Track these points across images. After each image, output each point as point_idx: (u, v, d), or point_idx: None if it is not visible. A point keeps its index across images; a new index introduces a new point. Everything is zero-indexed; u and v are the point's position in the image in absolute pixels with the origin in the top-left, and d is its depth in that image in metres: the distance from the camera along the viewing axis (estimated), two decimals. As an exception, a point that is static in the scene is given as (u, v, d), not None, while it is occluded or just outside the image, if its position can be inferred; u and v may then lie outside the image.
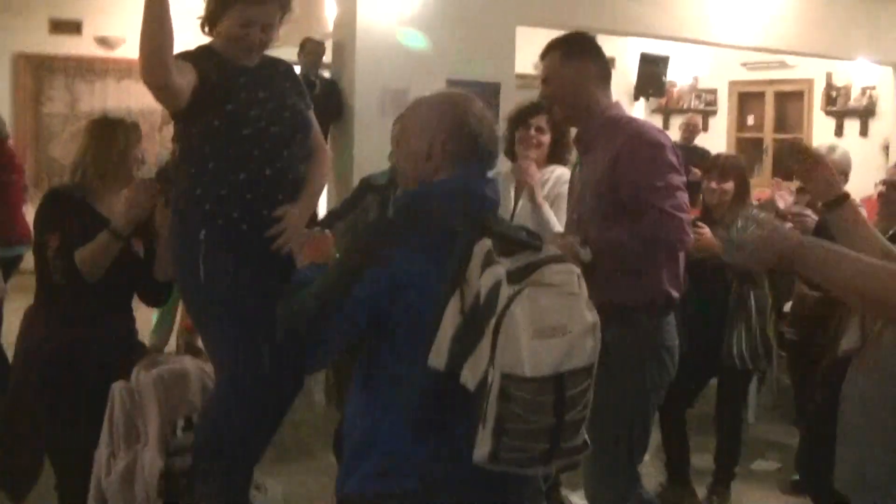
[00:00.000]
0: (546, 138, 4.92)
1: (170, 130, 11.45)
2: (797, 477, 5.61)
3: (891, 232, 4.77)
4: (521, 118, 4.98)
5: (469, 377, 2.33)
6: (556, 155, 4.92)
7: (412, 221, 2.60)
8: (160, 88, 3.46)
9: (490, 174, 2.71)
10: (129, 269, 4.16)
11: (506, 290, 2.29)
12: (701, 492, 5.64)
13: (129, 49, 12.71)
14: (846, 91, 13.88)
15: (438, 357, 2.38)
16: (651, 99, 14.95)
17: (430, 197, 2.63)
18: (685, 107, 15.39)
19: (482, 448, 2.31)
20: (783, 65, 13.98)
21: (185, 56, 3.72)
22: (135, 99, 12.88)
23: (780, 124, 14.68)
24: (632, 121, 3.86)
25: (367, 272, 2.51)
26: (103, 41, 12.74)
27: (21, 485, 4.21)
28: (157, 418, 3.65)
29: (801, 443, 5.19)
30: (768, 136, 14.67)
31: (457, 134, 2.64)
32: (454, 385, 2.35)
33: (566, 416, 2.31)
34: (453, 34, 8.93)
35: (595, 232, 3.58)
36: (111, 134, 4.22)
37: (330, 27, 9.43)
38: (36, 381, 4.11)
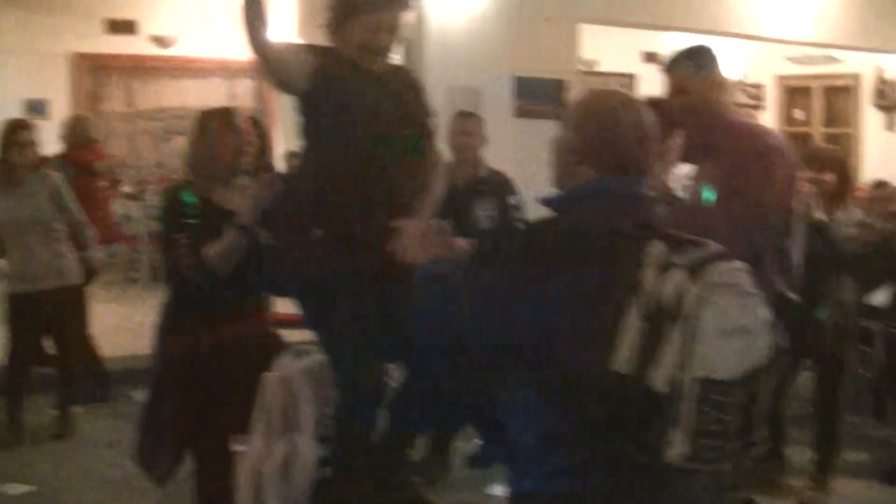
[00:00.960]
0: None
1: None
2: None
3: None
4: None
5: (658, 380, 2.34)
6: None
7: (571, 226, 2.58)
8: (259, 58, 3.70)
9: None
10: (256, 260, 4.27)
11: (691, 293, 2.33)
12: (798, 483, 5.78)
13: (184, 47, 12.94)
14: (892, 85, 13.90)
15: (621, 361, 2.37)
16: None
17: (588, 197, 2.61)
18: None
19: (678, 449, 2.34)
20: (830, 59, 13.96)
21: (310, 47, 3.85)
22: (192, 96, 13.07)
23: (829, 119, 14.69)
24: (757, 127, 4.13)
25: (533, 291, 2.50)
26: (158, 40, 12.92)
27: (165, 470, 4.37)
28: (310, 407, 3.78)
29: None
30: (817, 130, 14.67)
31: (598, 136, 2.62)
32: (636, 389, 2.36)
33: (754, 411, 2.38)
34: (519, 32, 9.05)
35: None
36: (221, 125, 4.35)
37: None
38: (176, 374, 4.26)
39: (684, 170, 4.94)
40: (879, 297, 6.68)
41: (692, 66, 4.10)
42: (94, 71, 12.70)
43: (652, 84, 14.65)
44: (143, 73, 12.94)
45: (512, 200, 6.03)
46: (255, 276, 4.26)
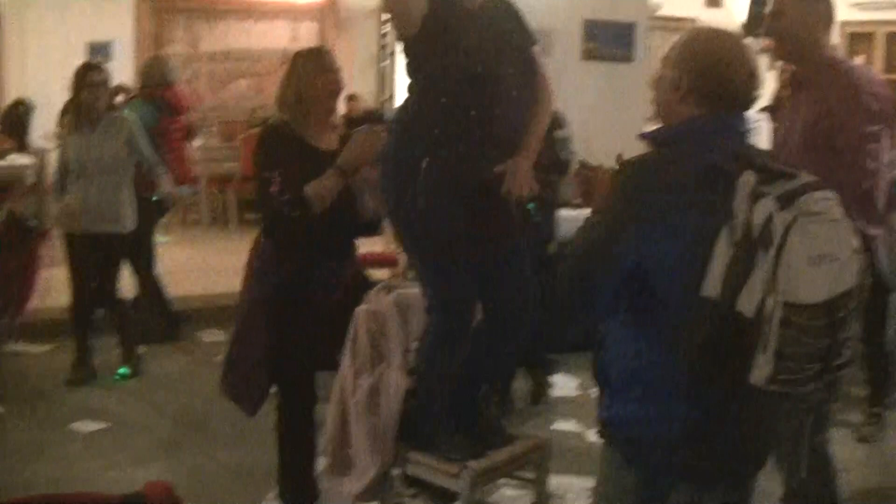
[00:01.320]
0: None
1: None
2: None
3: None
4: None
5: (746, 305, 2.42)
6: None
7: (676, 165, 2.65)
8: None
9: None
10: (347, 202, 4.36)
11: (780, 221, 2.39)
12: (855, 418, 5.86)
13: (249, -11, 12.99)
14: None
15: (713, 287, 2.46)
16: (759, 38, 14.91)
17: (687, 135, 2.69)
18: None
19: (762, 370, 2.42)
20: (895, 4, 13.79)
21: None
22: (255, 40, 13.16)
23: (891, 65, 14.52)
24: (852, 68, 4.05)
25: (627, 227, 2.59)
26: (223, -19, 12.97)
27: (253, 401, 4.49)
28: (398, 340, 3.86)
29: None
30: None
31: (707, 73, 2.67)
32: (727, 314, 2.44)
33: (837, 337, 2.43)
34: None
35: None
36: (315, 65, 4.38)
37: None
38: (266, 308, 4.35)
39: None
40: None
41: None
42: (157, 13, 12.79)
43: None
44: (207, 14, 13.00)
45: (560, 134, 6.12)
46: (348, 216, 4.35)
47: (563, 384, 6.66)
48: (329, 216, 4.24)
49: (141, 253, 7.29)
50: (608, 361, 2.80)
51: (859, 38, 14.84)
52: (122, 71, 10.27)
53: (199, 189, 10.82)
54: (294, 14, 13.29)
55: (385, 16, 13.57)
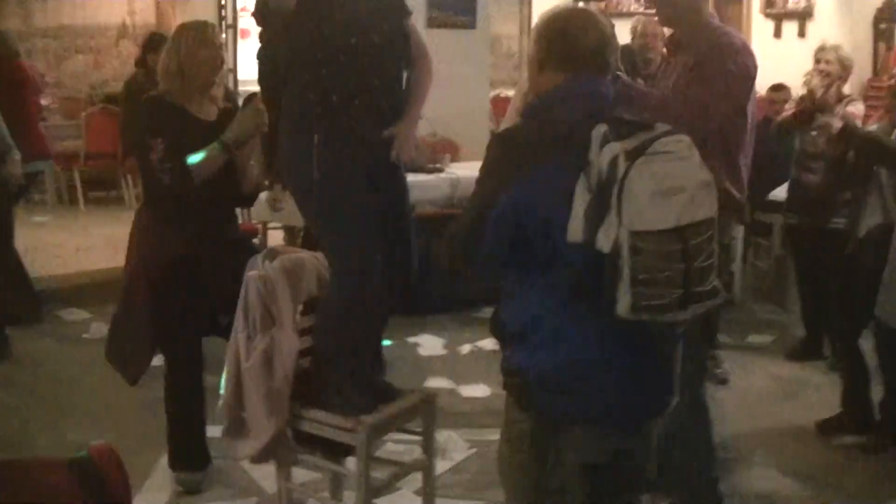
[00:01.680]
0: None
1: (126, 45, 11.67)
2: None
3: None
4: None
5: (604, 242, 2.64)
6: None
7: (539, 130, 2.89)
8: None
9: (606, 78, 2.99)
10: (228, 174, 4.50)
11: (623, 162, 2.62)
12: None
13: (82, -36, 12.76)
14: (784, -7, 14.34)
15: (575, 232, 2.69)
16: (592, 1, 15.28)
17: (550, 104, 2.92)
18: (625, 11, 15.70)
19: (623, 301, 2.64)
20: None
21: None
22: (90, 14, 12.94)
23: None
24: (727, 33, 4.35)
25: (507, 187, 2.80)
26: (56, -43, 12.69)
27: (136, 369, 4.60)
28: (288, 302, 3.99)
29: (812, 307, 6.46)
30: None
31: (560, 41, 2.94)
32: (590, 254, 2.66)
33: (694, 263, 2.65)
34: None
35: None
36: (198, 39, 4.53)
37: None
38: (150, 277, 4.45)
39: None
40: (779, 193, 7.08)
41: None
42: (-10, -11, 12.45)
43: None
44: (41, -10, 12.70)
45: None
46: (229, 186, 4.47)
47: (430, 344, 6.87)
48: (210, 185, 4.35)
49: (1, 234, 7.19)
50: (507, 316, 3.00)
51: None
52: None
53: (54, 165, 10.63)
54: (130, -12, 13.16)
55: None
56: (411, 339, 6.82)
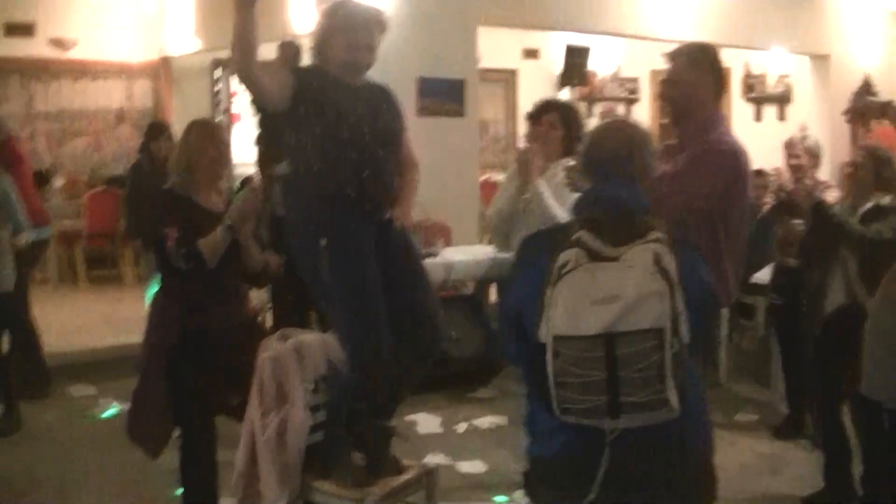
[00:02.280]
0: (557, 133, 5.51)
1: (125, 128, 11.98)
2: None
3: (865, 208, 5.63)
4: (536, 115, 5.66)
5: (544, 336, 2.78)
6: (568, 149, 5.42)
7: (544, 235, 3.18)
8: (245, 81, 4.15)
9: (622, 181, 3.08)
10: (234, 256, 4.78)
11: (569, 266, 2.77)
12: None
13: (83, 50, 13.16)
14: (763, 79, 14.78)
15: (536, 327, 2.83)
16: (576, 88, 15.72)
17: (575, 208, 3.16)
18: (608, 95, 16.16)
19: (554, 402, 2.75)
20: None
21: (292, 69, 4.35)
22: (90, 99, 13.31)
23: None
24: (720, 133, 4.42)
25: (514, 283, 3.11)
26: (57, 42, 13.05)
27: (157, 444, 4.83)
28: (299, 381, 4.28)
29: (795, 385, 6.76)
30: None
31: (585, 153, 3.22)
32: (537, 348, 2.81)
33: (621, 372, 2.68)
34: (421, 34, 9.47)
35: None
36: (206, 136, 4.84)
37: (293, 28, 9.95)
38: (167, 359, 4.70)
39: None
40: (762, 275, 7.38)
41: (685, 61, 4.41)
42: (-9, 73, 12.80)
43: (532, 79, 15.41)
44: (42, 75, 13.04)
45: None
46: (235, 266, 4.76)
47: (427, 422, 7.10)
48: (219, 266, 4.64)
49: (20, 307, 7.43)
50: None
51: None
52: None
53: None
54: (128, 73, 13.50)
55: (217, 73, 13.95)
56: (408, 418, 7.05)
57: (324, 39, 4.32)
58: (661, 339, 2.71)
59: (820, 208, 5.61)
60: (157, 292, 4.92)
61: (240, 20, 3.99)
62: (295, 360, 4.30)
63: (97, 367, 8.44)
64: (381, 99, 4.45)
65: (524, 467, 3.16)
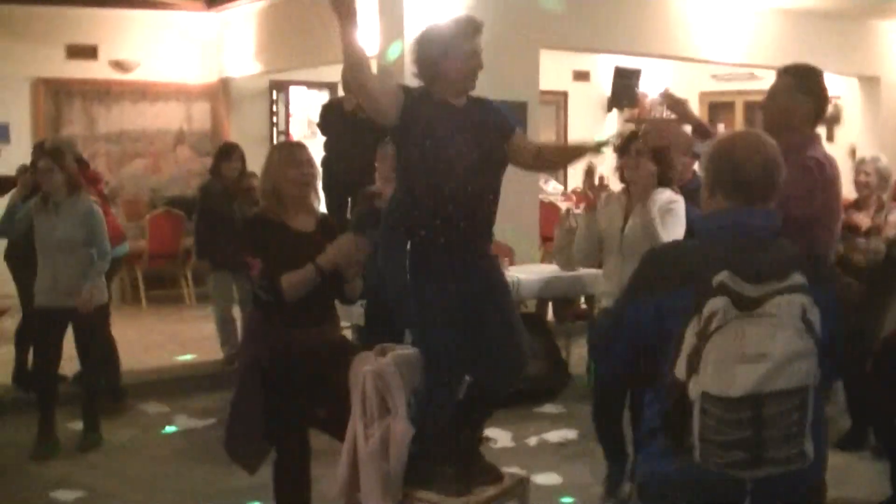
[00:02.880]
0: (646, 161, 5.64)
1: (184, 150, 12.19)
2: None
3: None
4: (624, 146, 5.80)
5: (693, 391, 2.78)
6: (662, 180, 5.68)
7: (688, 250, 3.14)
8: (358, 90, 4.38)
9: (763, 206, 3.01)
10: (329, 283, 4.89)
11: (719, 319, 2.73)
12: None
13: (144, 72, 13.42)
14: (813, 101, 14.80)
15: (679, 371, 2.82)
16: (625, 110, 15.88)
17: (704, 229, 3.06)
18: (657, 117, 16.23)
19: (696, 451, 2.79)
20: (752, 76, 14.84)
21: (402, 87, 4.50)
22: (149, 121, 13.55)
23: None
24: (810, 152, 4.45)
25: (636, 301, 3.01)
26: (118, 65, 13.34)
27: (255, 460, 4.99)
28: (401, 393, 4.42)
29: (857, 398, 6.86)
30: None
31: (721, 166, 3.04)
32: (683, 396, 2.82)
33: (764, 433, 2.74)
34: (488, 58, 9.61)
35: None
36: (287, 159, 4.93)
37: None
38: (259, 372, 4.84)
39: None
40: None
41: (791, 81, 4.54)
42: (55, 95, 13.04)
43: (582, 101, 15.56)
44: (103, 97, 13.30)
45: None
46: (328, 292, 4.92)
47: (498, 436, 7.22)
48: (313, 291, 4.78)
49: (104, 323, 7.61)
50: (644, 416, 3.14)
51: (720, 107, 15.89)
52: (19, 153, 10.48)
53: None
54: (187, 95, 13.73)
55: (274, 95, 14.18)
56: (480, 433, 7.18)
57: (434, 61, 4.40)
58: (805, 397, 2.79)
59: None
60: (252, 313, 5.07)
61: (343, 32, 4.17)
62: (396, 373, 4.43)
63: (169, 385, 8.64)
64: (489, 114, 4.55)
65: (639, 480, 3.20)
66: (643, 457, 3.13)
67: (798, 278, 2.85)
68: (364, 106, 4.49)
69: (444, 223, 4.37)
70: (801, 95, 4.51)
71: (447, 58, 4.38)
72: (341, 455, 4.55)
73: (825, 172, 4.43)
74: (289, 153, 5.01)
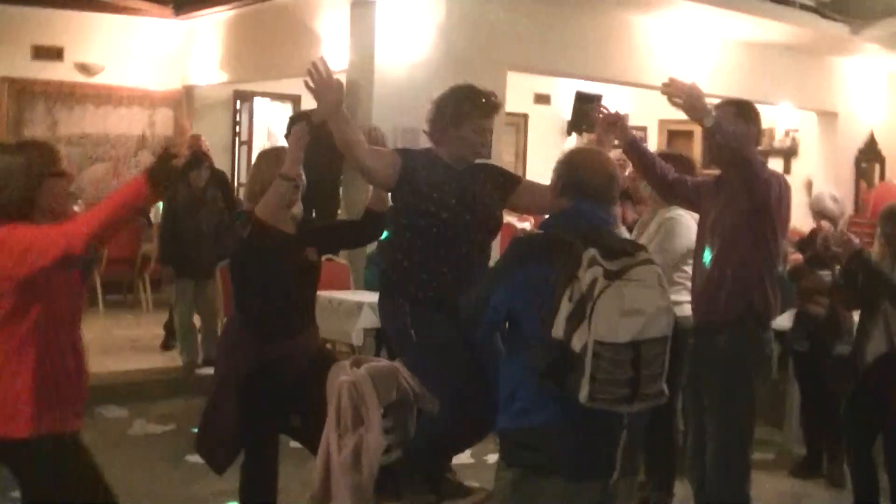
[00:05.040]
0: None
1: (145, 156, 12.14)
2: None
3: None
4: None
5: (576, 343, 3.35)
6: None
7: (543, 240, 3.70)
8: (356, 168, 4.60)
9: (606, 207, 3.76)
10: (309, 278, 5.04)
11: (601, 284, 3.34)
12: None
13: (108, 76, 13.41)
14: (770, 133, 15.11)
15: (557, 330, 3.40)
16: (584, 135, 15.97)
17: (555, 221, 3.78)
18: (615, 144, 16.39)
19: (583, 391, 3.35)
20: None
21: (399, 150, 4.66)
22: (112, 125, 13.53)
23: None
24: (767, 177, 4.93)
25: (507, 280, 3.64)
26: (84, 67, 13.32)
27: (223, 462, 5.05)
28: (376, 405, 4.50)
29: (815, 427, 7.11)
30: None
31: (569, 173, 3.78)
32: (566, 349, 3.38)
33: (643, 371, 3.35)
34: (455, 78, 9.71)
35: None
36: (276, 164, 4.94)
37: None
38: (237, 383, 4.90)
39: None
40: (779, 321, 7.62)
41: (732, 111, 5.01)
42: (18, 95, 13.00)
43: (542, 123, 15.69)
44: (67, 98, 13.26)
45: None
46: (306, 296, 5.01)
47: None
48: (292, 300, 4.86)
49: None
50: (501, 379, 3.77)
51: (679, 135, 16.08)
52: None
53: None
54: (150, 101, 13.73)
55: (238, 106, 14.20)
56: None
57: (445, 127, 4.55)
58: (665, 345, 3.44)
59: (860, 256, 5.87)
60: (229, 323, 5.14)
61: (332, 123, 4.39)
62: (371, 384, 4.51)
63: (128, 390, 8.65)
64: (487, 177, 4.70)
65: (504, 441, 3.73)
66: (505, 419, 3.67)
67: (644, 255, 3.52)
68: (364, 178, 4.63)
69: (438, 284, 4.52)
70: (742, 122, 4.95)
71: (460, 128, 4.52)
72: (316, 463, 4.60)
73: (782, 183, 4.93)
74: (277, 158, 5.04)
